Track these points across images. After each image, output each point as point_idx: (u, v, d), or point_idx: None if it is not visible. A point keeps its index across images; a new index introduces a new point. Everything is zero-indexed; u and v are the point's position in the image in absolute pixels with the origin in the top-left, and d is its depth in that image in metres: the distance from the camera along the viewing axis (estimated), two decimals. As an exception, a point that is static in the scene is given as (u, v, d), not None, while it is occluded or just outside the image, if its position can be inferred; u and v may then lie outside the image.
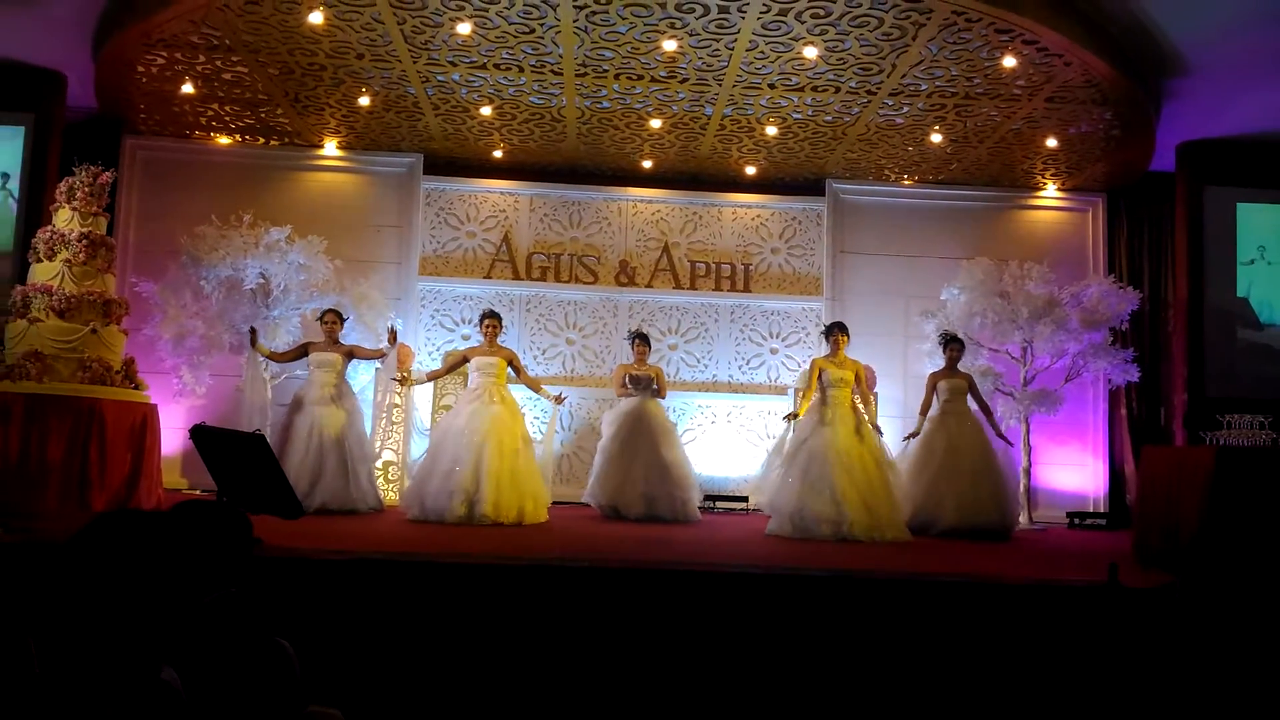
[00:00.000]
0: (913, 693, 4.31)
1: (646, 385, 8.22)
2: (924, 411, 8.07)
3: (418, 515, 7.08)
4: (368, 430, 8.00)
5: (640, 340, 8.46)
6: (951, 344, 8.26)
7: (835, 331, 7.63)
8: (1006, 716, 4.23)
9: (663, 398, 8.36)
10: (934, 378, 8.20)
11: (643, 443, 7.91)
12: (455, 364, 8.00)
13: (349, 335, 8.73)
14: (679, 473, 7.96)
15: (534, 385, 8.01)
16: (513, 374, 7.82)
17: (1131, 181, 9.64)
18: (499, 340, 7.89)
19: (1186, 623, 4.62)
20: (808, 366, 7.82)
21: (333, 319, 7.95)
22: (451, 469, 7.09)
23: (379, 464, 8.65)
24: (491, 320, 7.87)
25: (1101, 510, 9.46)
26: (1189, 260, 9.19)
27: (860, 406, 7.47)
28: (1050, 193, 10.01)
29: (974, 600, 4.78)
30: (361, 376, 8.87)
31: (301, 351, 7.97)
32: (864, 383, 7.58)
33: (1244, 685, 4.30)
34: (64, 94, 8.53)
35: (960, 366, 8.46)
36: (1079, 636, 4.56)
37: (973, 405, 8.07)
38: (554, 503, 8.85)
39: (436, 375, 8.31)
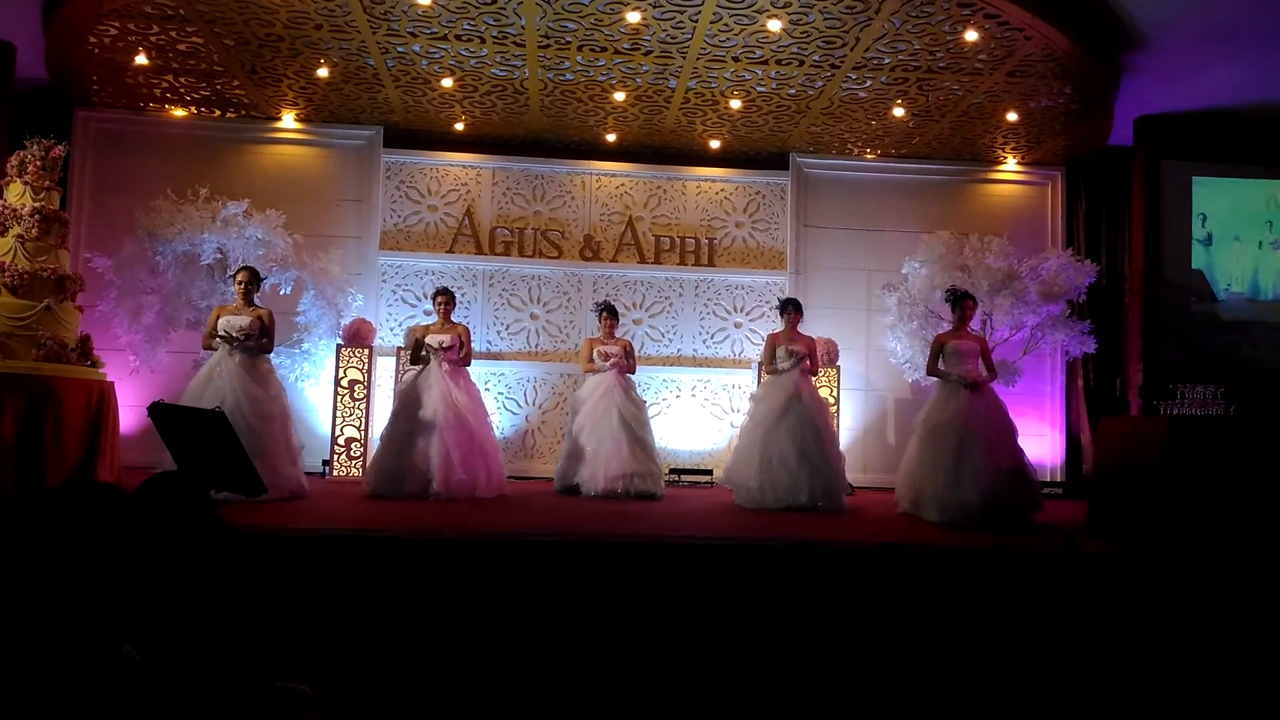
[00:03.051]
0: (876, 658, 4.38)
1: (615, 360, 8.13)
2: (931, 373, 7.26)
3: (375, 492, 7.07)
4: (307, 406, 7.78)
5: (608, 313, 8.37)
6: (963, 300, 7.35)
7: (789, 309, 7.86)
8: (968, 678, 4.31)
9: (632, 373, 8.29)
10: (940, 340, 7.28)
11: (612, 420, 7.83)
12: (417, 344, 7.70)
13: (309, 311, 8.65)
14: (648, 450, 7.94)
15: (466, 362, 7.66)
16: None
17: (1090, 155, 9.75)
18: (452, 317, 7.79)
19: (1140, 587, 4.73)
20: (764, 343, 8.00)
21: (245, 277, 7.12)
22: (404, 447, 7.10)
23: (341, 440, 8.62)
24: (444, 297, 7.74)
25: (1058, 480, 9.63)
26: (1145, 233, 9.32)
27: (811, 380, 7.69)
28: (1010, 166, 10.10)
29: (935, 567, 4.86)
30: (323, 351, 8.81)
31: (216, 320, 7.00)
32: (815, 357, 7.79)
33: (1194, 645, 4.41)
34: (13, 65, 8.29)
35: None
36: (1037, 602, 4.65)
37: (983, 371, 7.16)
38: (518, 478, 8.89)
39: (414, 360, 7.65)
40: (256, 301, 7.19)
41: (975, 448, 6.57)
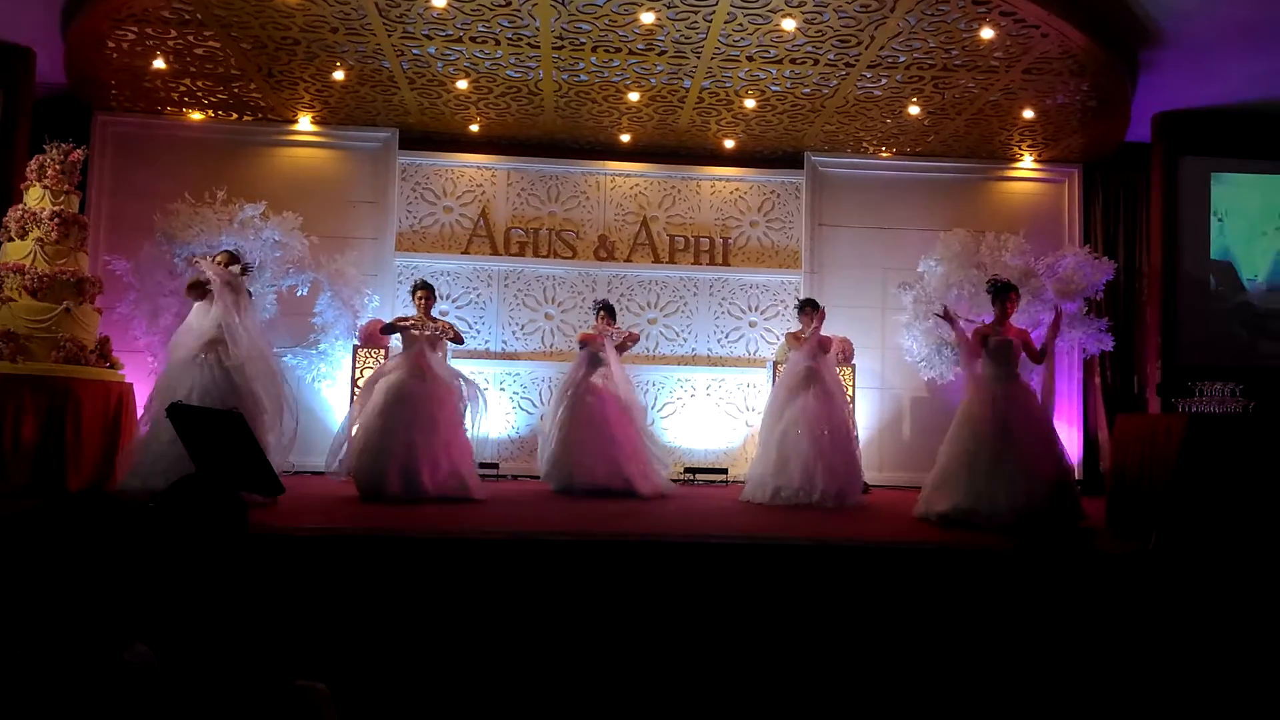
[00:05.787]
0: (894, 659, 4.37)
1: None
2: (965, 366, 6.79)
3: (360, 488, 6.72)
4: (324, 406, 7.71)
5: (605, 311, 8.19)
6: (1006, 292, 6.79)
7: (806, 308, 7.88)
8: (982, 679, 4.30)
9: (629, 345, 8.27)
10: (980, 333, 6.68)
11: (603, 416, 7.82)
12: (392, 329, 7.41)
13: (325, 312, 8.69)
14: (635, 446, 7.81)
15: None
16: (455, 346, 7.63)
17: (1108, 152, 9.68)
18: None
19: (1159, 585, 4.70)
20: (782, 341, 8.05)
21: (224, 259, 6.69)
22: (382, 445, 6.69)
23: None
24: (424, 291, 7.43)
25: (1077, 478, 9.56)
26: (1163, 230, 9.26)
27: (830, 364, 7.76)
28: (1027, 164, 10.05)
29: (956, 567, 4.84)
30: (339, 352, 8.85)
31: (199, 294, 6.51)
32: (828, 344, 7.83)
33: (1214, 643, 4.38)
34: (33, 70, 8.37)
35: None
36: (1056, 601, 4.63)
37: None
38: (530, 477, 8.88)
39: (386, 330, 7.50)
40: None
41: (1013, 452, 6.07)
